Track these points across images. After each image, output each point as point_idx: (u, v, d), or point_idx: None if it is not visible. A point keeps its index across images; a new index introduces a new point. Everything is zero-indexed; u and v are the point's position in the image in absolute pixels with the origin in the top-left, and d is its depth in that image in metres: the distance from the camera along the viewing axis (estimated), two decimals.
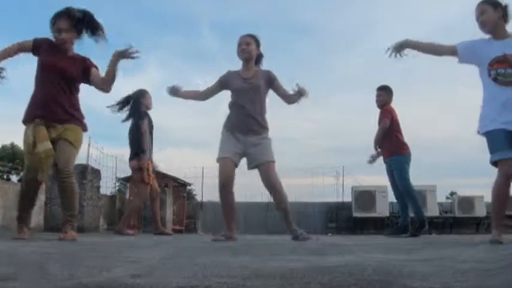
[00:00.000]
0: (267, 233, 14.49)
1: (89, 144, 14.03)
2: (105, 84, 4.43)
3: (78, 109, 4.47)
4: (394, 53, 4.24)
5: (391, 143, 7.28)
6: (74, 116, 4.37)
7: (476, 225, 18.49)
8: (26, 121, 4.25)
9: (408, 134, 7.56)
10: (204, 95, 5.20)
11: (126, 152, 6.96)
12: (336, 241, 5.64)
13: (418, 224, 7.36)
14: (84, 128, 4.56)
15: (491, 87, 3.96)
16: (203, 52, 66.81)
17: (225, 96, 5.01)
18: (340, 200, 20.28)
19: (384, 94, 7.49)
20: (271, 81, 5.02)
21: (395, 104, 7.62)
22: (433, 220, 18.51)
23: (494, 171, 3.93)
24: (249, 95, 4.89)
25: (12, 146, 39.83)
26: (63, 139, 4.24)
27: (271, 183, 4.78)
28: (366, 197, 18.23)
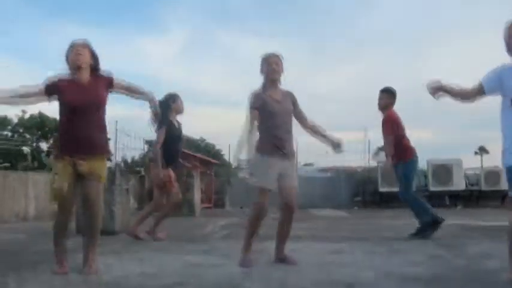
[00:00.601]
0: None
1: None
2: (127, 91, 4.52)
3: (105, 134, 4.52)
4: (431, 93, 4.18)
5: (396, 150, 7.10)
6: (101, 145, 4.39)
7: (502, 198, 18.42)
8: (56, 158, 4.36)
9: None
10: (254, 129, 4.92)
11: None
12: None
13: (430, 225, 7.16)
14: (108, 155, 4.64)
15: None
16: (229, 8, 65.62)
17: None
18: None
19: (386, 97, 7.31)
20: (294, 104, 4.99)
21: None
22: (459, 193, 18.58)
23: None
24: (283, 117, 4.83)
25: (40, 114, 40.39)
26: (92, 174, 4.26)
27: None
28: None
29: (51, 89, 4.24)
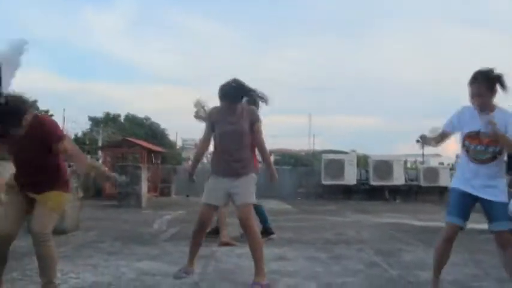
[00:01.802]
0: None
1: None
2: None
3: (58, 177, 4.09)
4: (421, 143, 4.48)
5: None
6: (54, 186, 4.02)
7: (440, 193, 19.29)
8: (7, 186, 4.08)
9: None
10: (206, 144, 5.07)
11: None
12: None
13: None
14: (68, 191, 4.21)
15: (464, 156, 4.15)
16: None
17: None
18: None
19: None
20: (252, 123, 4.85)
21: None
22: (399, 188, 19.36)
23: None
24: (234, 138, 4.77)
25: None
26: (44, 203, 3.93)
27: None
28: (335, 165, 18.87)
29: None
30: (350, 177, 18.86)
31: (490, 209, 4.06)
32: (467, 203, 4.13)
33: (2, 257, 3.98)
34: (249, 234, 4.74)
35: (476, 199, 4.11)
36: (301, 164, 42.08)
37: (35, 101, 25.49)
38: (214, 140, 4.92)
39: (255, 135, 4.89)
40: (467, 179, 4.14)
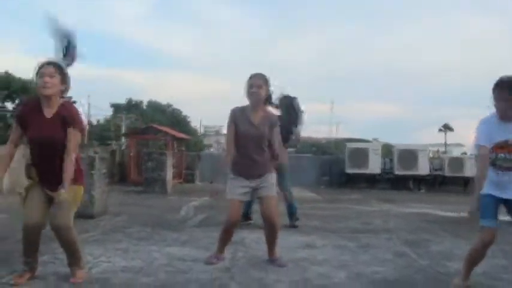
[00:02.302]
0: None
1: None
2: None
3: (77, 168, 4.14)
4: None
5: None
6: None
7: (464, 183, 19.11)
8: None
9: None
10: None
11: None
12: None
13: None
14: (82, 183, 4.28)
15: (491, 167, 4.06)
16: None
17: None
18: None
19: None
20: (271, 128, 4.96)
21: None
22: (423, 178, 19.20)
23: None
24: (256, 141, 4.88)
25: (7, 74, 39.73)
26: (61, 195, 3.97)
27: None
28: (359, 154, 18.78)
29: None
30: (374, 166, 18.73)
31: None
32: (497, 205, 4.10)
33: (34, 244, 4.12)
34: (271, 225, 4.92)
35: (504, 201, 4.08)
36: (322, 152, 42.03)
37: None
38: (236, 140, 4.95)
39: (273, 139, 4.97)
40: (496, 186, 4.08)
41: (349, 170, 18.87)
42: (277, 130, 5.05)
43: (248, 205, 7.51)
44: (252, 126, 4.89)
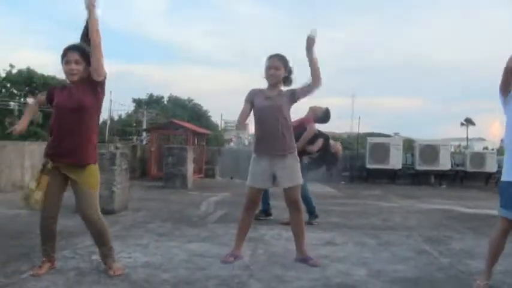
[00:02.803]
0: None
1: None
2: (94, 63, 4.06)
3: (93, 145, 4.23)
4: None
5: None
6: (88, 157, 4.16)
7: (486, 179, 18.93)
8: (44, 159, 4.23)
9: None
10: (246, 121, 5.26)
11: None
12: None
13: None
14: (96, 161, 4.30)
15: None
16: None
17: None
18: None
19: None
20: (292, 95, 4.94)
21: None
22: (444, 173, 19.06)
23: None
24: (271, 113, 4.86)
25: (28, 70, 40.13)
26: (82, 183, 4.13)
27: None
28: (380, 149, 18.67)
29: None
30: (395, 161, 18.62)
31: None
32: None
33: (50, 234, 4.23)
34: (297, 214, 4.93)
35: None
36: (343, 147, 41.86)
37: None
38: (255, 118, 4.97)
39: (303, 89, 4.92)
40: None
41: (370, 166, 18.80)
42: (302, 88, 4.93)
43: (266, 201, 7.53)
44: (268, 99, 4.90)
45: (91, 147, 4.20)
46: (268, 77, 4.93)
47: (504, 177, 4.13)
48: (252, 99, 4.95)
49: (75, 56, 4.09)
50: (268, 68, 4.91)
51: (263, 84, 5.03)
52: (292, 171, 4.93)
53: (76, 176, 4.13)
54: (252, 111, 4.99)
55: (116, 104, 65.25)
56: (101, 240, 4.26)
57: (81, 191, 4.14)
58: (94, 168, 4.23)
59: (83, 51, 4.12)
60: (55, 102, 4.15)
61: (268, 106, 4.87)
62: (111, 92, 48.85)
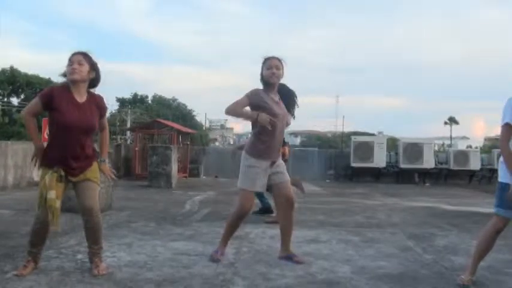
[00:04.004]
0: None
1: None
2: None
3: (93, 151, 4.32)
4: None
5: None
6: (91, 160, 4.24)
7: (470, 177, 19.09)
8: (45, 166, 4.15)
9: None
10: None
11: None
12: None
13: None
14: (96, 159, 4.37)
15: None
16: None
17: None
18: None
19: None
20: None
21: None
22: (428, 171, 19.19)
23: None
24: (282, 123, 4.83)
25: (12, 69, 39.88)
26: (89, 179, 4.18)
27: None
28: (364, 148, 18.77)
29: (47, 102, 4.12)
30: (380, 159, 18.74)
31: None
32: None
33: (43, 239, 4.22)
34: (291, 210, 4.88)
35: None
36: (327, 145, 41.97)
37: None
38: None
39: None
40: None
41: (355, 164, 18.88)
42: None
43: (262, 197, 7.52)
44: (277, 105, 4.85)
45: (93, 148, 4.31)
46: (271, 76, 4.83)
47: (503, 179, 4.12)
48: (256, 101, 4.77)
49: (79, 57, 4.14)
50: (270, 67, 4.84)
51: (251, 84, 4.98)
52: (284, 168, 4.98)
53: (83, 175, 4.17)
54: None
55: None
56: (96, 236, 4.26)
57: (88, 186, 4.19)
58: (96, 164, 4.31)
59: (87, 55, 4.19)
60: (64, 119, 4.06)
61: (281, 114, 4.83)
62: (94, 91, 48.65)
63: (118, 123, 47.74)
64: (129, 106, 56.31)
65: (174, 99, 62.01)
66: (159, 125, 19.09)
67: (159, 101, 60.67)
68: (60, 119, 4.06)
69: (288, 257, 4.85)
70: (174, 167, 13.93)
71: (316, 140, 56.19)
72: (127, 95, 60.99)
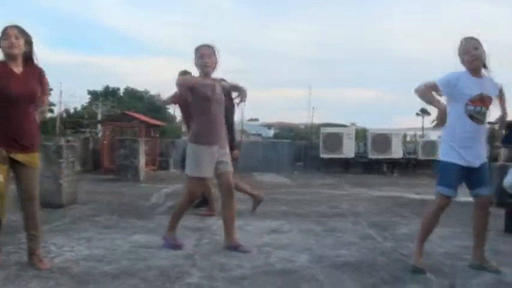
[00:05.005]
0: None
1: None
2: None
3: (37, 131, 4.33)
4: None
5: None
6: (35, 142, 4.26)
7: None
8: None
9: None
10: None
11: None
12: None
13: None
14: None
15: (466, 121, 4.15)
16: None
17: None
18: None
19: None
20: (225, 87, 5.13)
21: None
22: (397, 161, 19.39)
23: None
24: (218, 105, 4.93)
25: None
26: (30, 164, 4.16)
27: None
28: (333, 138, 18.88)
29: None
30: (348, 150, 18.86)
31: (479, 175, 4.26)
32: (460, 175, 4.22)
33: (1, 228, 4.18)
34: (232, 199, 5.00)
35: (467, 168, 4.21)
36: (300, 137, 42.04)
37: None
38: (201, 105, 4.91)
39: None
40: (462, 147, 4.18)
41: (324, 155, 18.97)
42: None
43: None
44: (211, 90, 4.90)
45: (38, 133, 4.35)
46: (202, 65, 4.93)
47: (442, 157, 4.32)
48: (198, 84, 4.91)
49: (14, 30, 4.12)
50: (202, 56, 4.92)
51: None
52: (229, 158, 5.08)
53: (26, 159, 4.14)
54: (194, 100, 4.93)
55: (66, 95, 64.14)
56: (36, 221, 4.23)
57: (31, 172, 4.19)
58: (38, 155, 4.33)
59: (22, 29, 4.18)
60: (4, 90, 4.02)
61: (214, 98, 4.89)
62: (61, 83, 48.00)
63: (86, 116, 47.14)
64: (101, 99, 55.74)
65: (147, 92, 61.55)
66: (128, 117, 18.95)
67: (131, 93, 60.16)
68: (2, 91, 4.02)
69: (234, 246, 4.90)
70: (142, 159, 13.84)
71: (289, 132, 56.24)
72: (99, 87, 60.42)
